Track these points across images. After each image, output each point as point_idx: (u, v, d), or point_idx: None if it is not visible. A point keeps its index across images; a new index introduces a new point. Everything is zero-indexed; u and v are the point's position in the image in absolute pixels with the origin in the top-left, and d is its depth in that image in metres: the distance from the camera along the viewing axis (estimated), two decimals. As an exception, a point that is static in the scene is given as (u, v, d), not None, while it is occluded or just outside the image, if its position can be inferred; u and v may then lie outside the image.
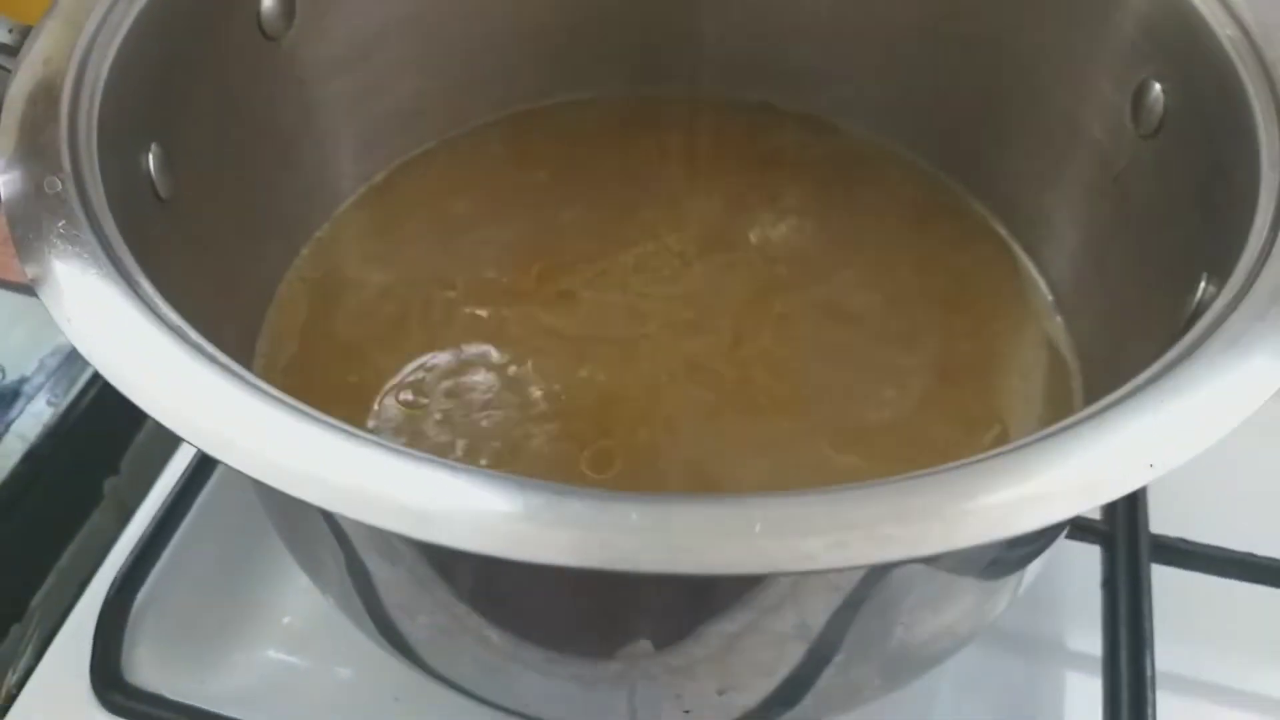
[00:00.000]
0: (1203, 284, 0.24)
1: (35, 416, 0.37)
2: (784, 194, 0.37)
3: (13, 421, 0.36)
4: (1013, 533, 0.17)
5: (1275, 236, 0.22)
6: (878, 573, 0.20)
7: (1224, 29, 0.26)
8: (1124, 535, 0.33)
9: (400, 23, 0.35)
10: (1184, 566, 0.33)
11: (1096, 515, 0.34)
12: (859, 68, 0.37)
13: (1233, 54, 0.25)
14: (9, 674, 0.33)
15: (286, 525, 0.28)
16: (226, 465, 0.18)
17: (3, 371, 0.37)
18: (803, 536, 0.17)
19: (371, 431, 0.30)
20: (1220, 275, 0.23)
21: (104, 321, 0.20)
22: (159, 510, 0.35)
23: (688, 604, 0.21)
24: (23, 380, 0.37)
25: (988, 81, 0.34)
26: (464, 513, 0.17)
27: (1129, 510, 0.34)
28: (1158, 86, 0.28)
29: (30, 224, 0.21)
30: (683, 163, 0.39)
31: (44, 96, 0.23)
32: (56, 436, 0.36)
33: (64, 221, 0.21)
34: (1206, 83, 0.26)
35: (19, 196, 0.22)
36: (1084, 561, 0.33)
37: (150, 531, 0.34)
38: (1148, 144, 0.29)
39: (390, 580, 0.24)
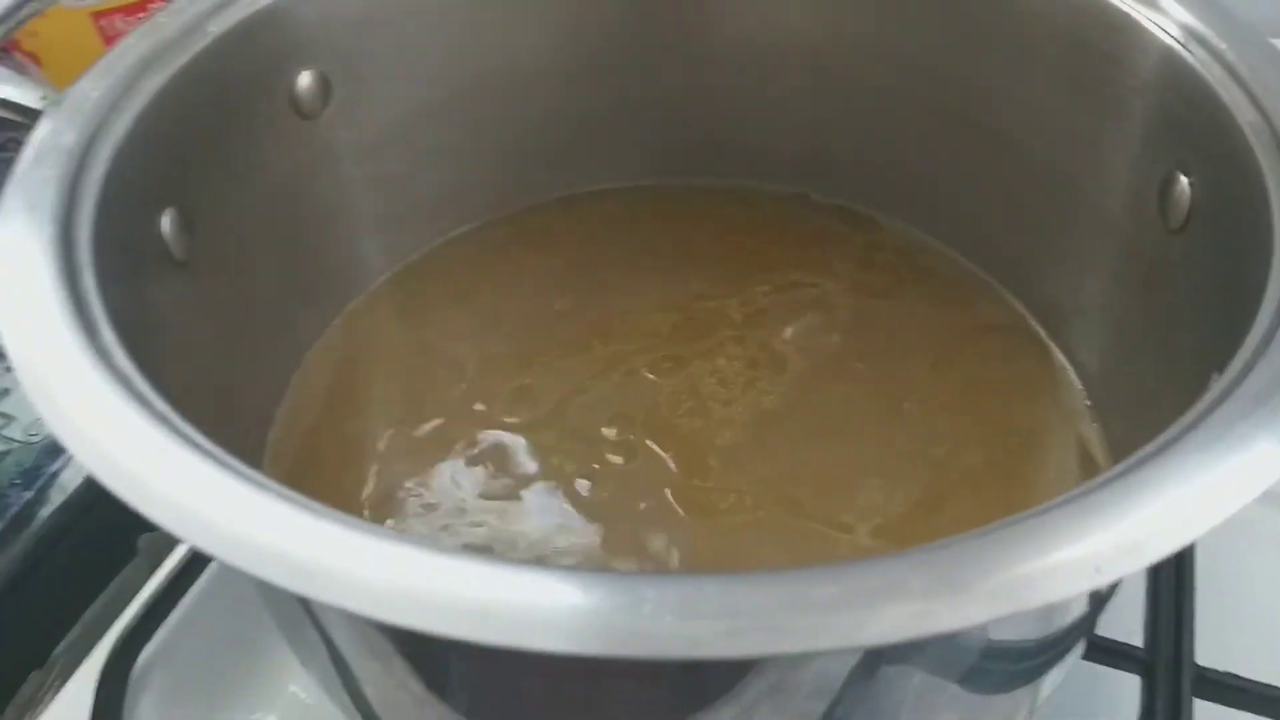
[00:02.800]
0: (1213, 379, 0.22)
1: (78, 470, 0.38)
2: (818, 285, 0.36)
3: (57, 473, 0.38)
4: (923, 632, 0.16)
5: (1275, 332, 0.20)
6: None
7: (1243, 114, 0.24)
8: (1166, 666, 0.30)
9: (436, 110, 0.36)
10: (1231, 704, 0.30)
11: (1138, 642, 0.31)
12: (894, 159, 0.37)
13: (1254, 142, 0.24)
14: (24, 720, 0.34)
15: (275, 612, 0.28)
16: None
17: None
18: (693, 619, 0.16)
19: (386, 511, 0.31)
20: (1221, 368, 0.21)
21: (62, 385, 0.20)
22: (172, 568, 0.35)
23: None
24: (66, 435, 0.38)
25: (1018, 173, 0.33)
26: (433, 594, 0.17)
27: (1173, 639, 0.31)
28: (1184, 179, 0.27)
29: (7, 282, 0.22)
30: (715, 252, 0.38)
31: (50, 155, 0.25)
32: (96, 489, 0.37)
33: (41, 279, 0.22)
34: (1230, 173, 0.25)
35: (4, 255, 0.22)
36: (1122, 692, 0.31)
37: (161, 589, 0.35)
38: (1175, 239, 0.27)
39: (372, 672, 0.24)
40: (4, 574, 0.36)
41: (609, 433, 0.32)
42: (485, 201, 0.38)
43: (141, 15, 0.42)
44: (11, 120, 0.27)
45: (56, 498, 0.37)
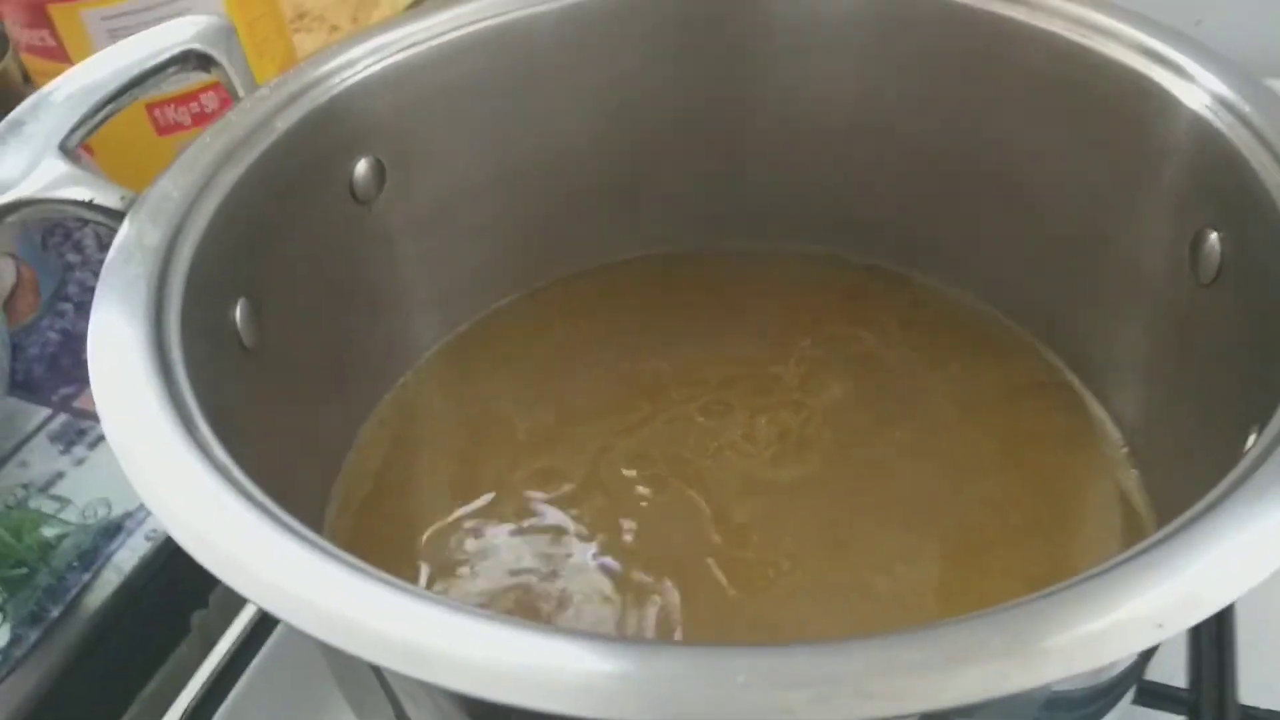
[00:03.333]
0: (1252, 436, 0.23)
1: (133, 550, 0.39)
2: (856, 344, 0.38)
3: (112, 554, 0.39)
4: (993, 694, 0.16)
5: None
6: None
7: (1271, 176, 0.25)
8: (1211, 706, 0.31)
9: (480, 189, 0.37)
10: (1281, 743, 0.30)
11: (1181, 683, 0.32)
12: (926, 217, 0.38)
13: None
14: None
15: (344, 680, 0.28)
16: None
17: (109, 506, 0.40)
18: (784, 689, 0.16)
19: (436, 577, 0.32)
20: (1263, 424, 0.22)
21: (169, 479, 0.22)
22: (229, 647, 0.36)
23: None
24: (126, 515, 0.39)
25: (1052, 232, 0.34)
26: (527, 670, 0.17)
27: (1216, 679, 0.31)
28: (1214, 235, 0.28)
29: (109, 379, 0.23)
30: (754, 315, 0.39)
31: (137, 257, 0.26)
32: (151, 570, 0.38)
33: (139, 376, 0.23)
34: (1259, 230, 0.26)
35: (101, 347, 0.24)
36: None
37: (220, 667, 0.35)
38: (1207, 292, 0.28)
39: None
40: (63, 655, 0.37)
41: (650, 491, 0.33)
42: (528, 273, 0.40)
43: (193, 104, 0.44)
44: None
45: (113, 579, 0.38)
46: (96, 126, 0.31)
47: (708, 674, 0.17)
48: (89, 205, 0.28)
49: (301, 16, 0.56)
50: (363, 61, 0.33)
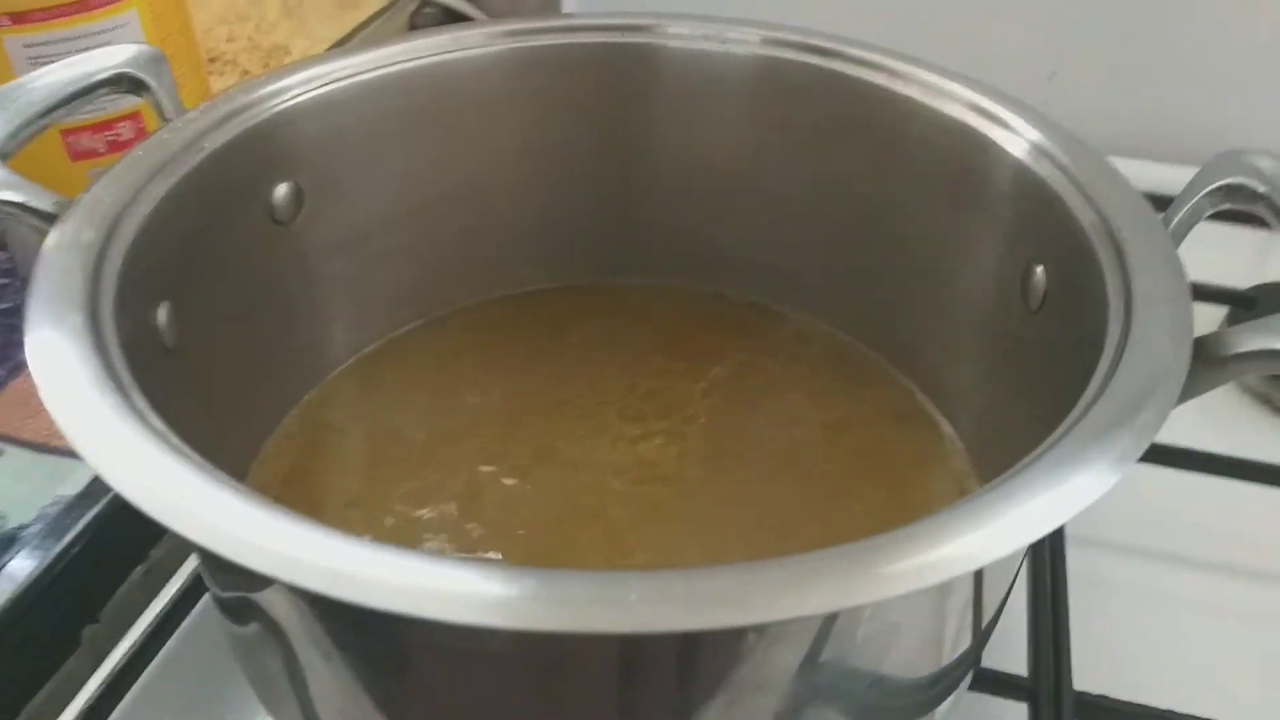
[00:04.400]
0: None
1: (25, 562, 0.39)
2: (733, 371, 0.41)
3: (4, 565, 0.39)
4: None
5: (1106, 383, 0.25)
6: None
7: (1084, 215, 0.30)
8: (1049, 692, 0.35)
9: (392, 217, 0.40)
10: (1107, 723, 0.34)
11: (1023, 672, 0.35)
12: (790, 260, 0.42)
13: (1093, 238, 0.30)
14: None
15: (253, 669, 0.30)
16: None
17: (4, 518, 0.40)
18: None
19: None
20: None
21: (98, 426, 0.23)
22: (118, 661, 0.36)
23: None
24: (21, 528, 0.40)
25: (902, 267, 0.39)
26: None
27: (1053, 668, 0.35)
28: (1039, 269, 0.33)
29: (48, 347, 0.25)
30: (642, 343, 0.42)
31: (73, 251, 0.28)
32: (43, 582, 0.39)
33: (77, 348, 0.25)
34: (1074, 265, 0.30)
35: (42, 329, 0.25)
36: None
37: (111, 678, 0.36)
38: (1035, 318, 0.33)
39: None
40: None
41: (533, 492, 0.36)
42: (438, 298, 0.42)
43: (109, 132, 0.45)
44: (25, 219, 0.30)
45: (6, 588, 0.38)
46: (29, 138, 0.32)
47: (607, 591, 0.19)
48: (22, 207, 0.30)
49: (213, 60, 0.58)
50: (288, 91, 0.36)
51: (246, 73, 0.58)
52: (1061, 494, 0.22)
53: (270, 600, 0.25)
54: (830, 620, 0.23)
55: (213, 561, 0.27)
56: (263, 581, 0.24)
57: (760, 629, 0.22)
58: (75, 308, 0.26)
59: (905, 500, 0.37)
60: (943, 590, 0.26)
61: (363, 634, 0.24)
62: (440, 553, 0.35)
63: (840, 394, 0.40)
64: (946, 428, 0.38)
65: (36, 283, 0.27)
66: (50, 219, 0.30)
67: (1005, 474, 0.23)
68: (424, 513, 0.36)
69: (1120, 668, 0.35)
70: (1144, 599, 0.39)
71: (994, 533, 0.22)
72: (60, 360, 0.25)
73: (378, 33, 0.63)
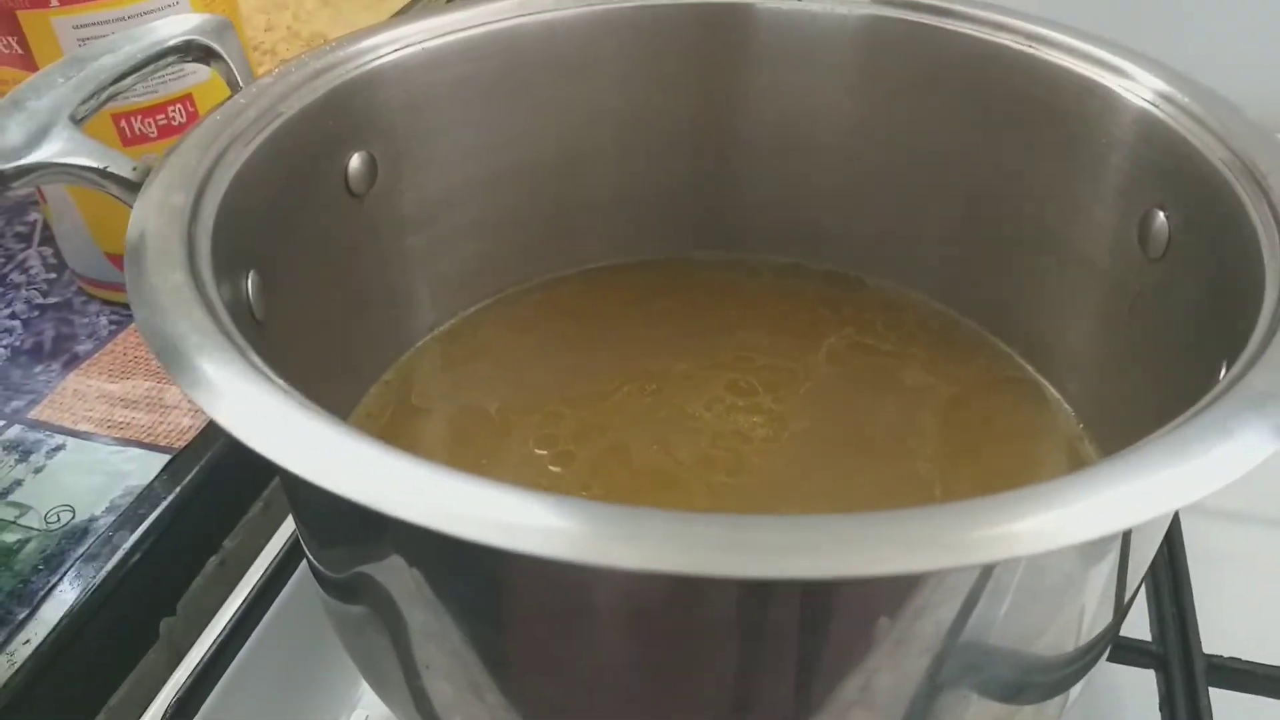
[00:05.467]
0: (1223, 370, 0.26)
1: (99, 555, 0.38)
2: (816, 344, 0.40)
3: (78, 559, 0.37)
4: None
5: (1276, 326, 0.24)
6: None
7: (1215, 153, 0.29)
8: (1178, 658, 0.33)
9: (468, 189, 0.39)
10: (1243, 689, 0.32)
11: (1149, 638, 0.34)
12: (878, 226, 0.41)
13: (1228, 174, 0.28)
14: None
15: (351, 635, 0.28)
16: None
17: (73, 512, 0.39)
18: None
19: None
20: (1234, 355, 0.24)
21: (230, 389, 0.22)
22: (204, 654, 0.35)
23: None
24: (91, 520, 0.38)
25: (999, 228, 0.37)
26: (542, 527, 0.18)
27: (1179, 633, 0.34)
28: (1161, 214, 0.31)
29: (161, 305, 0.23)
30: (723, 317, 0.41)
31: (166, 213, 0.26)
32: (118, 575, 0.37)
33: (186, 307, 0.23)
34: (1206, 203, 0.29)
35: (148, 290, 0.24)
36: (1140, 686, 0.33)
37: (200, 668, 0.34)
38: (1156, 266, 0.31)
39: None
40: (30, 660, 0.35)
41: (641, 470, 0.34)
42: (511, 275, 0.41)
43: (160, 115, 0.44)
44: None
45: (79, 584, 0.37)
46: (100, 105, 0.31)
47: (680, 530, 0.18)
48: (102, 173, 0.29)
49: (253, 49, 0.57)
50: (362, 57, 0.34)
51: (285, 62, 0.57)
52: (1224, 454, 0.20)
53: (391, 568, 0.23)
54: (985, 576, 0.21)
55: (332, 529, 0.26)
56: (400, 538, 0.22)
57: (910, 582, 0.20)
58: (178, 267, 0.25)
59: (1010, 472, 0.35)
60: (1090, 554, 0.24)
61: (494, 588, 0.22)
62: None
63: (931, 368, 0.39)
64: (1052, 393, 0.37)
65: (133, 245, 0.25)
66: (131, 187, 0.28)
67: (1157, 433, 0.21)
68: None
69: (1245, 630, 0.34)
70: (1258, 562, 0.38)
71: (1151, 488, 0.20)
72: (176, 322, 0.23)
73: (428, 7, 0.62)
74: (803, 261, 0.43)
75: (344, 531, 0.25)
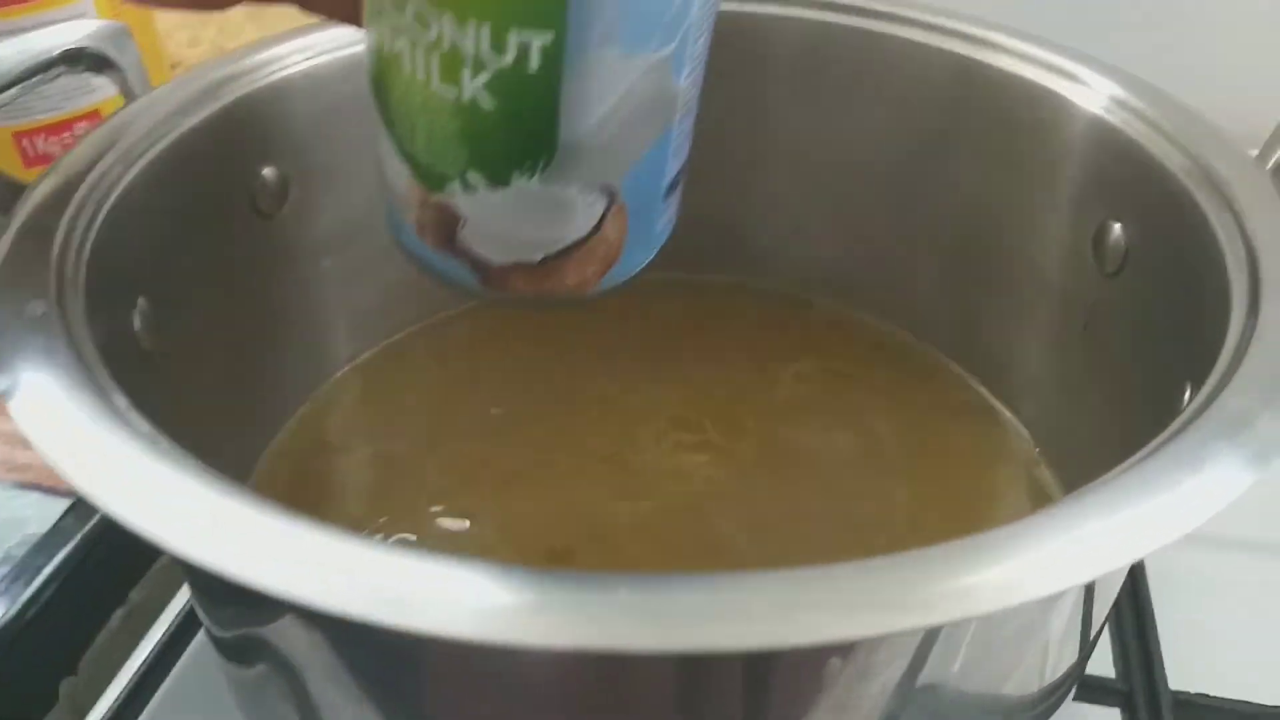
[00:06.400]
0: (1186, 394, 0.24)
1: (-4, 611, 0.35)
2: (763, 372, 0.38)
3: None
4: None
5: (1250, 332, 0.22)
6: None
7: (1172, 161, 0.27)
8: (1144, 695, 0.31)
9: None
10: (1209, 725, 0.31)
11: (1112, 674, 0.32)
12: (825, 243, 0.39)
13: (1187, 182, 0.27)
14: None
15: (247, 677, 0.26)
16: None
17: (-35, 563, 0.36)
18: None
19: None
20: (1199, 379, 0.23)
21: (74, 432, 0.19)
22: (109, 710, 0.32)
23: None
24: (-15, 573, 0.35)
25: (948, 244, 0.36)
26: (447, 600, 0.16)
27: (1145, 668, 0.32)
28: (1117, 226, 0.30)
29: (7, 342, 0.21)
30: (661, 342, 0.39)
31: (35, 238, 0.24)
32: (13, 631, 0.34)
33: (43, 340, 0.21)
34: (1164, 214, 0.28)
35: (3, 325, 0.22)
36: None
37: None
38: (1113, 281, 0.30)
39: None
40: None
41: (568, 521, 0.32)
42: (439, 299, 0.38)
43: (65, 134, 0.41)
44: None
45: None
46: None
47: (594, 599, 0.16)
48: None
49: (175, 66, 0.54)
50: (270, 66, 0.32)
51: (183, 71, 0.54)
52: (1195, 489, 0.19)
53: (284, 632, 0.21)
54: (934, 634, 0.19)
55: (217, 590, 0.23)
56: (279, 609, 0.20)
57: (856, 646, 0.18)
58: (39, 299, 0.22)
59: (967, 496, 0.33)
60: (1050, 601, 0.22)
61: (402, 665, 0.20)
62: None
63: (878, 387, 0.37)
64: (1007, 416, 0.35)
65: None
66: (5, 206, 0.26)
67: (1122, 466, 0.19)
68: (437, 529, 0.32)
69: (1212, 664, 0.32)
70: (1225, 589, 0.36)
71: (1117, 531, 0.18)
72: (24, 356, 0.21)
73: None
74: (747, 281, 0.41)
75: (222, 593, 0.23)
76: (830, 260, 0.39)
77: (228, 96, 0.31)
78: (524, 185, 0.22)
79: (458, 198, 0.23)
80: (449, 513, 0.33)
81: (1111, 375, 0.30)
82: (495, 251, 0.24)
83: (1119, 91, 0.30)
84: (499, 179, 0.22)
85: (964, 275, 0.36)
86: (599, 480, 0.34)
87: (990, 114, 0.33)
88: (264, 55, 0.32)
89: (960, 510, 0.33)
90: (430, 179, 0.23)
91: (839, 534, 0.32)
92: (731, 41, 0.36)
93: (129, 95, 0.31)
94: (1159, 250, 0.28)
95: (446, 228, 0.24)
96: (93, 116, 0.42)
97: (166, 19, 0.57)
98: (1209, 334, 0.24)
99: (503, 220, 0.23)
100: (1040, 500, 0.33)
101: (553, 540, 0.32)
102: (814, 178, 0.38)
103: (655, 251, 0.26)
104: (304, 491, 0.33)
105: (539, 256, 0.24)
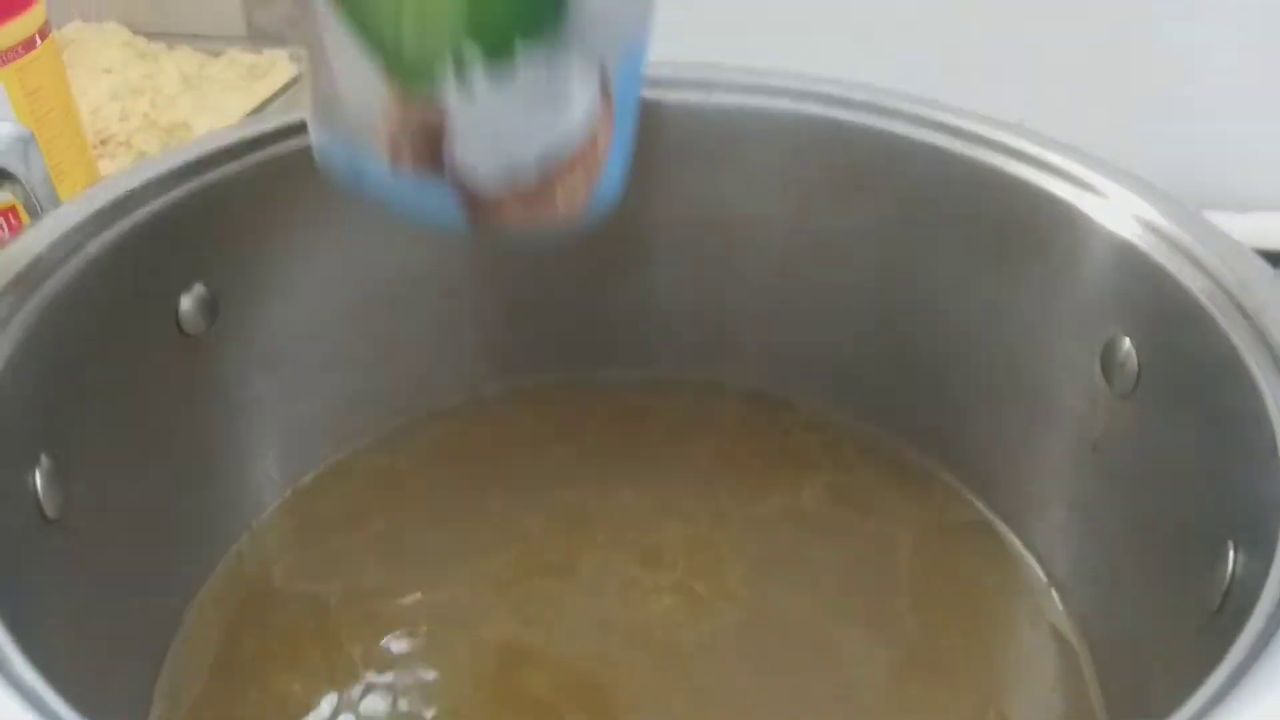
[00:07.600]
0: (1231, 552, 0.22)
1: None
2: (742, 486, 0.35)
3: None
4: None
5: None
6: None
7: (1194, 281, 0.25)
8: None
9: (326, 322, 0.33)
10: None
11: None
12: (806, 342, 0.36)
13: (1209, 305, 0.24)
14: None
15: None
16: None
17: None
18: None
19: None
20: (1250, 540, 0.20)
21: None
22: None
23: None
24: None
25: (943, 349, 0.33)
26: None
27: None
28: (1127, 342, 0.27)
29: None
30: (630, 455, 0.36)
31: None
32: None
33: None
34: (1183, 335, 0.25)
35: None
36: None
37: None
38: (1126, 404, 0.27)
39: None
40: None
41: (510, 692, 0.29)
42: (387, 409, 0.35)
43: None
44: None
45: None
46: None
47: None
48: None
49: (105, 142, 0.51)
50: (189, 176, 0.29)
51: (143, 155, 0.51)
52: None
53: None
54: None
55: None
56: None
57: None
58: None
59: (978, 634, 0.30)
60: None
61: None
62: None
63: (868, 503, 0.34)
64: (1014, 541, 0.32)
65: None
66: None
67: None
68: (380, 683, 0.29)
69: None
70: None
71: None
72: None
73: (291, 103, 0.56)
74: (724, 379, 0.38)
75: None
76: (814, 361, 0.36)
77: (142, 214, 0.27)
78: (526, 59, 0.20)
79: (446, 92, 0.20)
80: (379, 677, 0.29)
81: (1128, 507, 0.28)
82: (487, 163, 0.21)
83: (1140, 206, 0.27)
84: (500, 49, 0.20)
85: (961, 382, 0.33)
86: (555, 640, 0.30)
87: (982, 213, 0.31)
88: (185, 159, 0.29)
89: (967, 669, 0.30)
90: (413, 70, 0.20)
91: (843, 655, 0.29)
92: (704, 133, 0.34)
93: (32, 211, 0.28)
94: (1178, 375, 0.25)
95: (430, 141, 0.21)
96: (10, 212, 0.38)
97: (94, 94, 0.53)
98: (1256, 486, 0.21)
99: (497, 115, 0.20)
100: (1043, 625, 0.30)
101: (508, 690, 0.28)
102: (798, 275, 0.35)
103: (623, 181, 0.24)
104: (239, 642, 0.30)
105: (533, 166, 0.21)
